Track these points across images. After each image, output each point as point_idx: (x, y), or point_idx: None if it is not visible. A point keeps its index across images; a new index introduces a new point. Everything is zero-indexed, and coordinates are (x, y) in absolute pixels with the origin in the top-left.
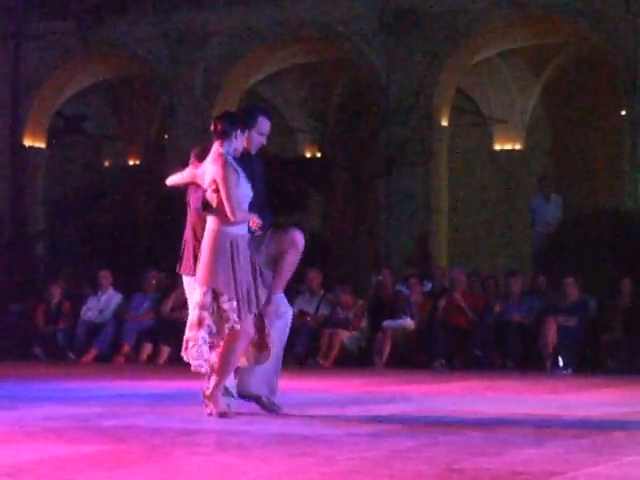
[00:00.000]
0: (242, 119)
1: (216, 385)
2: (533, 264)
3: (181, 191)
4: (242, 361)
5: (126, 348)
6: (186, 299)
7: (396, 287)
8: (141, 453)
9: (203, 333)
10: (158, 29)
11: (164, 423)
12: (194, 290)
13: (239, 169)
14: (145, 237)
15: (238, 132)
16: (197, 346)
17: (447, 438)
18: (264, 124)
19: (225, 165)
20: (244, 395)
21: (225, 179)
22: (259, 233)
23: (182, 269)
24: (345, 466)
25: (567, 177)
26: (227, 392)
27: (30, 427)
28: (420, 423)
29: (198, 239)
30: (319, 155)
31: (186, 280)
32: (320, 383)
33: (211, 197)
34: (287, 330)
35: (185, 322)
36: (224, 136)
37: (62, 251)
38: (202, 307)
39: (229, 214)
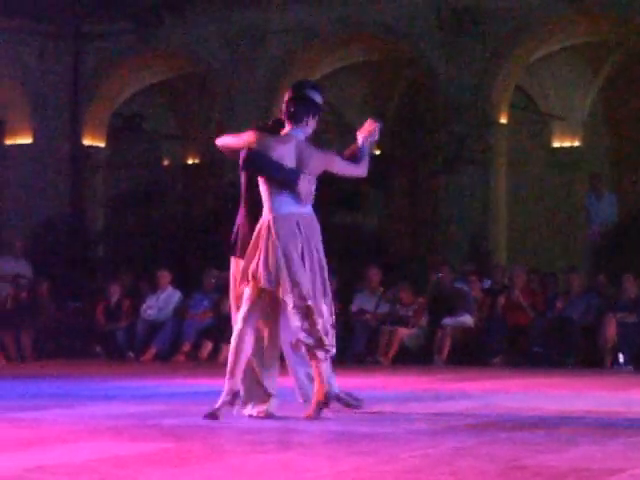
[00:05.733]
0: (316, 104)
1: None
2: (591, 261)
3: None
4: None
5: (186, 346)
6: None
7: (455, 284)
8: (203, 452)
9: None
10: (217, 28)
11: (225, 421)
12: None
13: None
14: (205, 235)
15: (310, 118)
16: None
17: (508, 435)
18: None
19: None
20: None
21: (329, 154)
22: None
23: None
24: (407, 464)
25: (625, 174)
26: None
27: (90, 426)
28: (480, 420)
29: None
30: (378, 153)
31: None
32: (380, 381)
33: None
34: None
35: None
36: (295, 120)
37: (121, 250)
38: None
39: (361, 172)
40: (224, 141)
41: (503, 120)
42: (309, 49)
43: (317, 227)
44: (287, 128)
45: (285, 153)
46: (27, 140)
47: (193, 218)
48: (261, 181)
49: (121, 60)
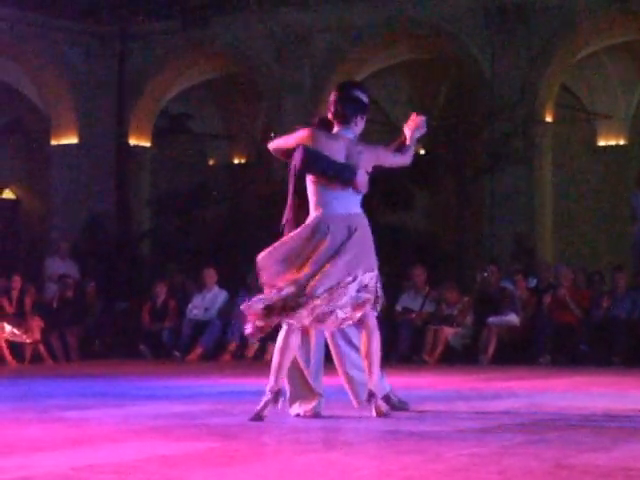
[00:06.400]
0: (364, 104)
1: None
2: (637, 259)
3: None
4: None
5: (232, 346)
6: None
7: (501, 283)
8: (250, 451)
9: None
10: (263, 27)
11: (272, 421)
12: None
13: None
14: (250, 235)
15: (358, 118)
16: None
17: (555, 434)
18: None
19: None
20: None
21: (377, 148)
22: None
23: None
24: (454, 463)
25: None
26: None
27: (137, 425)
28: (527, 419)
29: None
30: (423, 152)
31: None
32: (425, 380)
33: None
34: None
35: None
36: (345, 121)
37: (167, 250)
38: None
39: (407, 161)
40: (277, 143)
41: (549, 119)
42: (355, 48)
43: (364, 228)
44: (336, 128)
45: (336, 151)
46: (73, 140)
47: (239, 218)
48: (312, 180)
49: (167, 60)
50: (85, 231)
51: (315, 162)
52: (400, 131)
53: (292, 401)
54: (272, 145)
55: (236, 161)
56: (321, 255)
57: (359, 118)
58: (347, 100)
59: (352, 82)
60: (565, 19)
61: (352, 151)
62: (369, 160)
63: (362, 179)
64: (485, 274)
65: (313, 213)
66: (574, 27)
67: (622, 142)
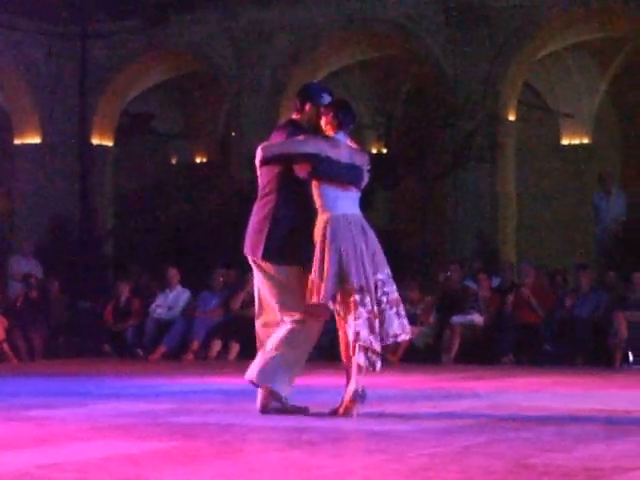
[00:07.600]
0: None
1: None
2: (601, 259)
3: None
4: None
5: (195, 345)
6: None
7: (464, 282)
8: (211, 449)
9: None
10: (223, 26)
11: (234, 420)
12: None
13: None
14: (212, 234)
15: (351, 124)
16: None
17: (517, 434)
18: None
19: None
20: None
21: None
22: None
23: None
24: (416, 462)
25: (635, 171)
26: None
27: (100, 424)
28: (490, 419)
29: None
30: (385, 151)
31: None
32: (388, 379)
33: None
34: None
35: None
36: (345, 127)
37: (130, 249)
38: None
39: None
40: (271, 151)
41: (511, 117)
42: (316, 47)
43: (368, 227)
44: (331, 133)
45: (341, 155)
46: (36, 140)
47: (201, 217)
48: (319, 185)
49: (128, 59)
50: (48, 230)
51: (327, 168)
52: (362, 129)
53: (267, 400)
54: (269, 151)
55: (198, 160)
56: (360, 255)
57: (351, 124)
58: (345, 108)
59: (328, 88)
60: (527, 17)
61: (352, 153)
62: (365, 161)
63: (366, 178)
64: (448, 273)
65: (323, 216)
66: (536, 25)
67: (585, 141)
